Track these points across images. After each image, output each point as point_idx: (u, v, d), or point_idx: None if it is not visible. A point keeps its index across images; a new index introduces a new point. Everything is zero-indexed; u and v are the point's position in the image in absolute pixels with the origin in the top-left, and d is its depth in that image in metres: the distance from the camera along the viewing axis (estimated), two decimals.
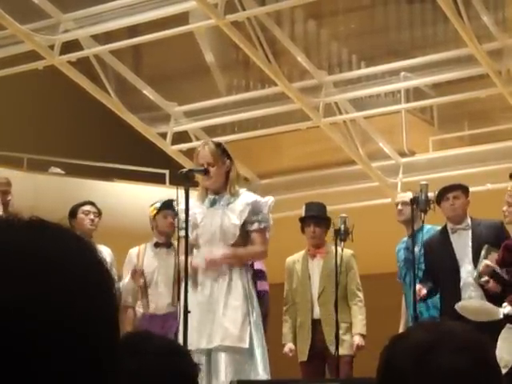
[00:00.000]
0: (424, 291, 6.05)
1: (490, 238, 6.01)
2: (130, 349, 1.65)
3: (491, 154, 9.83)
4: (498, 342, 5.40)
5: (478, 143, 10.36)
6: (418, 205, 5.92)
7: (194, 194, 5.27)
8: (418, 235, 6.43)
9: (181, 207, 5.04)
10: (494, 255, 5.79)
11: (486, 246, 5.87)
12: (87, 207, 6.64)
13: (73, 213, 6.60)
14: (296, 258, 7.00)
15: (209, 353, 4.92)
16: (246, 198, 5.18)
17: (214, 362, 4.88)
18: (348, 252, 6.79)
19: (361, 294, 6.82)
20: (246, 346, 4.89)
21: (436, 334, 1.42)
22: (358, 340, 6.64)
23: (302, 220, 6.91)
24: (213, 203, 5.18)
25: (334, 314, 6.47)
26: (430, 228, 6.58)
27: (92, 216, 6.60)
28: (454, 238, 6.27)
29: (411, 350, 1.40)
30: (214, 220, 5.12)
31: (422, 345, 1.40)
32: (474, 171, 9.42)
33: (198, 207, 5.19)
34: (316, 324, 6.67)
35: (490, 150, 9.96)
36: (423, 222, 6.33)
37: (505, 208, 5.94)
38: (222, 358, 4.88)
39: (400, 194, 7.30)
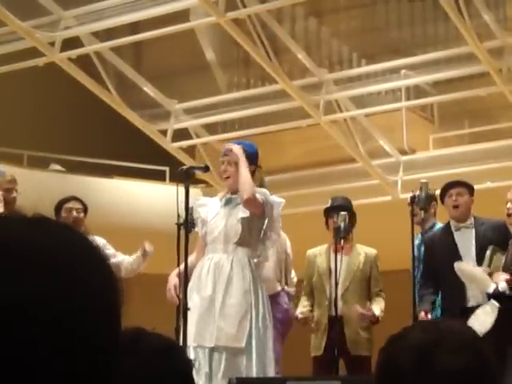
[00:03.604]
0: (429, 316, 5.92)
1: (494, 238, 5.92)
2: (126, 346, 1.65)
3: (491, 152, 9.82)
4: (477, 311, 5.43)
5: (478, 141, 10.35)
6: (418, 203, 5.90)
7: (194, 192, 5.28)
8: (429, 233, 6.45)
9: (196, 203, 5.10)
10: (500, 256, 5.75)
11: (491, 247, 5.79)
12: (70, 204, 6.42)
13: (57, 209, 6.41)
14: (318, 251, 6.65)
15: (210, 350, 4.93)
16: None
17: (214, 360, 4.88)
18: (373, 252, 6.63)
19: (383, 295, 6.57)
20: (242, 345, 4.85)
21: (435, 334, 1.42)
22: (377, 312, 6.34)
23: (327, 211, 6.52)
24: (227, 202, 5.18)
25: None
26: (441, 227, 6.48)
27: (75, 213, 6.37)
28: (457, 235, 6.12)
29: (410, 350, 1.40)
30: (222, 219, 5.12)
31: (421, 344, 1.40)
32: (474, 169, 9.41)
33: (215, 204, 5.21)
34: (336, 321, 6.19)
35: (490, 148, 9.96)
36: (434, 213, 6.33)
37: (509, 205, 5.89)
38: (221, 357, 4.87)
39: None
